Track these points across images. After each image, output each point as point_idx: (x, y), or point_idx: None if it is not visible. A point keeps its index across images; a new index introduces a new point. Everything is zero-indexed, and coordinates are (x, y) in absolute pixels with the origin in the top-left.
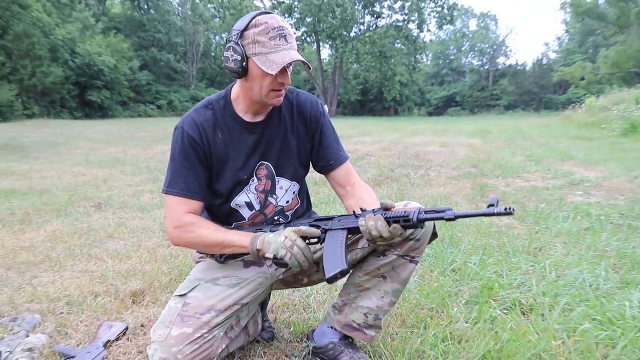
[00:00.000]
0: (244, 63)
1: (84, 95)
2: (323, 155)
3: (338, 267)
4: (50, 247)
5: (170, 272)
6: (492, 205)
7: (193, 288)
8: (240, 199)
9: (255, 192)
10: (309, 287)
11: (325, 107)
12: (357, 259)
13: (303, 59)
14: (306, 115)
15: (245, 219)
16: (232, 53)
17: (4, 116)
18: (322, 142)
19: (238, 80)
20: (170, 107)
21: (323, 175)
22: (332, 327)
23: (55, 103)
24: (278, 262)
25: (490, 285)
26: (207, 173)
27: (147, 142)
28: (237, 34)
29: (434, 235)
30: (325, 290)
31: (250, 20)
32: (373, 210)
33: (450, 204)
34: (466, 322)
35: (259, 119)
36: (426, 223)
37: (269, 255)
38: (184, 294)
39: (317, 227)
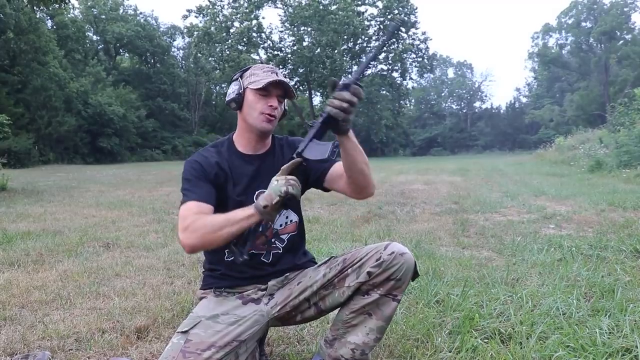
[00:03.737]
0: (242, 92)
1: (95, 142)
2: (315, 167)
3: (322, 155)
4: (61, 286)
5: (173, 308)
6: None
7: (195, 325)
8: None
9: None
10: None
11: None
12: (344, 297)
13: (287, 82)
14: (295, 147)
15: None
16: (234, 87)
17: (22, 163)
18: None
19: (238, 117)
20: (175, 151)
21: (326, 192)
22: None
23: (69, 150)
24: (285, 200)
25: (471, 316)
26: (215, 190)
27: (152, 185)
28: (240, 74)
29: (415, 274)
30: (318, 324)
31: (251, 65)
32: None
33: (434, 238)
34: (450, 352)
35: (258, 152)
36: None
37: (276, 199)
38: (186, 331)
39: (292, 157)
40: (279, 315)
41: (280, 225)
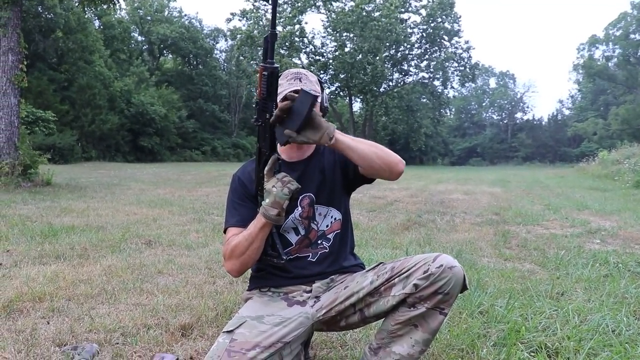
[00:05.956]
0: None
1: (137, 141)
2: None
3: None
4: (106, 280)
5: (216, 307)
6: None
7: (240, 325)
8: (287, 225)
9: (300, 219)
10: None
11: None
12: (388, 307)
13: (304, 89)
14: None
15: (292, 244)
16: None
17: (65, 159)
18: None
19: None
20: (214, 153)
21: (371, 182)
22: None
23: (110, 147)
24: (291, 199)
25: (517, 328)
26: (255, 207)
27: (192, 185)
28: None
29: (464, 287)
30: (362, 330)
31: (281, 73)
32: None
33: (475, 249)
34: None
35: (302, 158)
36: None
37: (285, 203)
38: (232, 330)
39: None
40: (324, 319)
41: (327, 226)
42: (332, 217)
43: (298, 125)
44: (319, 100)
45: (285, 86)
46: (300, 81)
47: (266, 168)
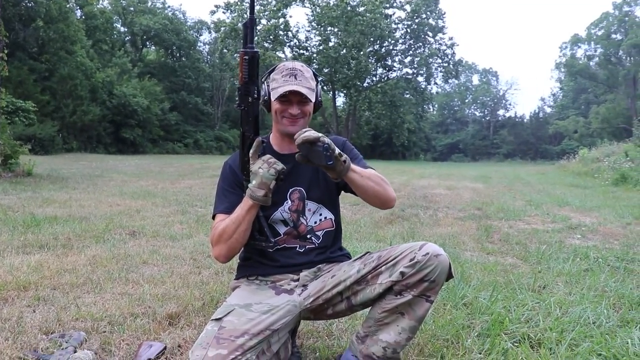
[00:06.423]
0: (267, 97)
1: (119, 133)
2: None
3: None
4: (91, 270)
5: (203, 297)
6: None
7: (228, 313)
8: (275, 217)
9: (288, 212)
10: None
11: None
12: (375, 294)
13: (300, 90)
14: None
15: (280, 235)
16: (263, 89)
17: (45, 150)
18: None
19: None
20: (196, 145)
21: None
22: (355, 356)
23: (92, 139)
24: (279, 177)
25: (500, 320)
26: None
27: (175, 177)
28: (267, 75)
29: (450, 275)
30: (347, 319)
31: (276, 66)
32: None
33: (458, 242)
34: (480, 354)
35: (294, 151)
36: (440, 269)
37: (272, 183)
38: (220, 318)
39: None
40: (311, 307)
41: (315, 222)
42: (322, 214)
43: (313, 161)
44: (313, 99)
45: (280, 82)
46: (296, 78)
47: (251, 151)
